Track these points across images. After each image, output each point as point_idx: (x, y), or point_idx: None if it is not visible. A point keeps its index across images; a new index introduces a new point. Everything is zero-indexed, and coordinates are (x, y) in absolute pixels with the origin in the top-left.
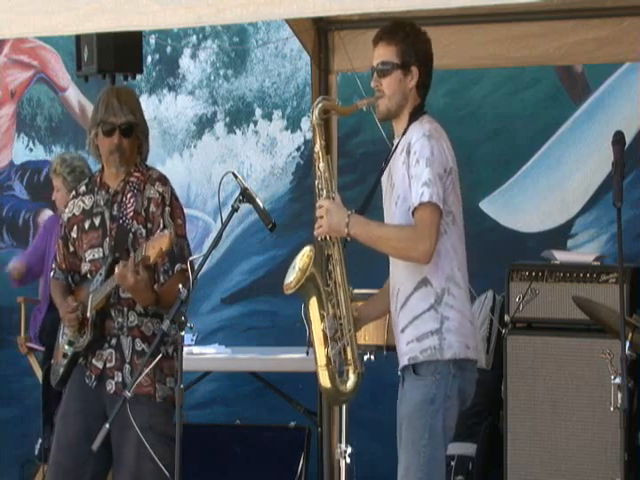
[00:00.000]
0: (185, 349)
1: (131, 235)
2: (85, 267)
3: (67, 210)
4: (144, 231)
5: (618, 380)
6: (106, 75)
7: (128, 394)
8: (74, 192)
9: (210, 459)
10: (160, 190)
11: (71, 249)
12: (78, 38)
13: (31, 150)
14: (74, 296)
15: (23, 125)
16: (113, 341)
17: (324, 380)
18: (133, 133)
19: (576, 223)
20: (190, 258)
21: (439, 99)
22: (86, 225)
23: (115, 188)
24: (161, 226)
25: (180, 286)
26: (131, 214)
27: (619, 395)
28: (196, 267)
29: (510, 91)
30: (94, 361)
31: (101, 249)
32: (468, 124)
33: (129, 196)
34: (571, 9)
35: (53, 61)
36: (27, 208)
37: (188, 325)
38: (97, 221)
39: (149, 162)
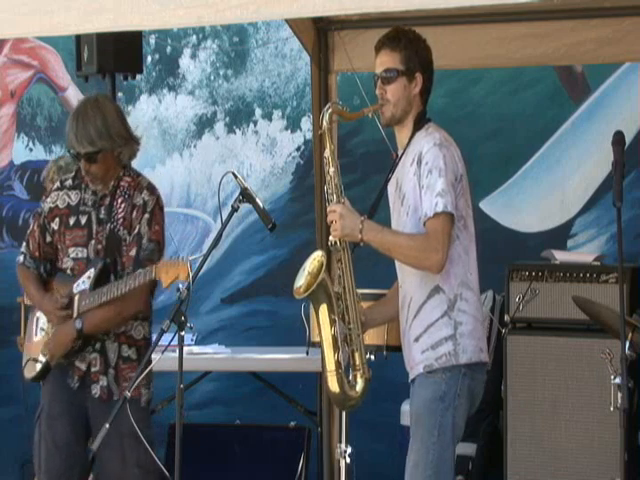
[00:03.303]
0: (185, 349)
1: (122, 242)
2: (67, 263)
3: (49, 200)
4: (128, 237)
5: (618, 380)
6: (106, 75)
7: (128, 394)
8: (59, 183)
9: (210, 459)
10: (146, 199)
11: (48, 239)
12: (78, 38)
13: (31, 150)
14: (48, 288)
15: (23, 125)
16: (98, 345)
17: (333, 385)
18: (98, 159)
19: (576, 223)
20: (190, 258)
21: (439, 99)
22: (71, 221)
23: (103, 191)
24: (135, 231)
25: (180, 285)
26: (121, 220)
27: (619, 395)
28: (196, 267)
29: (510, 91)
30: (77, 362)
31: (85, 250)
32: (468, 124)
33: (120, 201)
34: (571, 9)
35: (53, 61)
36: (27, 208)
37: (188, 325)
38: (83, 220)
39: (149, 162)
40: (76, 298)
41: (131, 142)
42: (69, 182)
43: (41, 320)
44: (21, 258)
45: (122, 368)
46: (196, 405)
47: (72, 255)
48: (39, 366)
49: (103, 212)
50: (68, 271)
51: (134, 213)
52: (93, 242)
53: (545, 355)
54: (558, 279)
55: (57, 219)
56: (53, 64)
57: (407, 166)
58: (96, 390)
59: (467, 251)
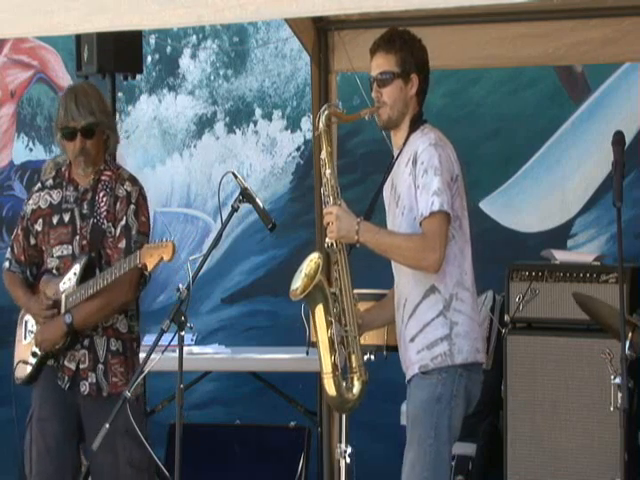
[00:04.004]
0: (185, 349)
1: (107, 236)
2: (52, 263)
3: (31, 202)
4: (113, 230)
5: (618, 380)
6: (106, 75)
7: (128, 394)
8: (39, 184)
9: (210, 459)
10: (128, 189)
11: (32, 242)
12: (78, 38)
13: (31, 150)
14: (35, 290)
15: (23, 125)
16: (86, 342)
17: (329, 388)
18: (95, 133)
19: (576, 223)
20: (190, 258)
21: (438, 99)
22: (54, 220)
23: (85, 186)
24: (122, 222)
25: (180, 285)
26: (105, 214)
27: (619, 395)
28: (196, 267)
29: (510, 91)
30: (66, 362)
31: (70, 246)
32: (468, 124)
33: (102, 195)
34: (571, 9)
35: (53, 61)
36: None
37: (188, 325)
38: (66, 217)
39: (149, 162)
40: (63, 296)
41: (116, 131)
42: (50, 182)
43: (29, 323)
44: (7, 264)
45: (111, 363)
46: (196, 405)
47: (57, 254)
48: (29, 368)
49: (86, 207)
50: (54, 270)
51: (118, 205)
52: (78, 238)
53: (545, 355)
54: (558, 279)
55: (40, 220)
56: (53, 64)
57: (402, 166)
58: (85, 387)
59: (462, 251)
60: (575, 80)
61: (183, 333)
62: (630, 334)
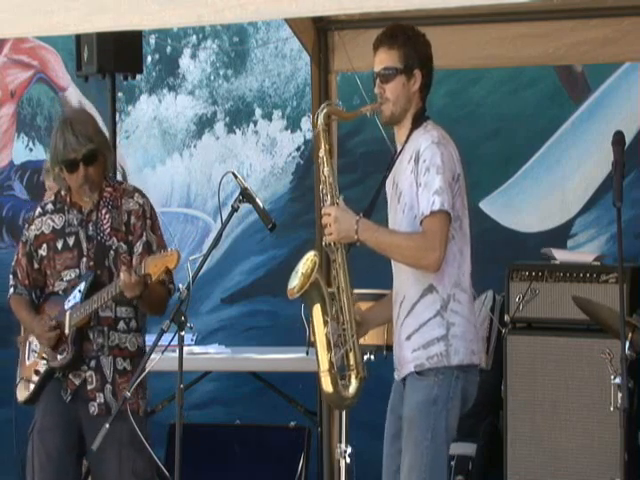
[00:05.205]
0: (185, 349)
1: (112, 252)
2: (60, 286)
3: (33, 227)
4: (125, 246)
5: (618, 380)
6: (106, 75)
7: (128, 394)
8: (40, 209)
9: (210, 459)
10: (140, 202)
11: (36, 266)
12: (78, 38)
13: (31, 150)
14: (40, 311)
15: (23, 125)
16: (92, 363)
17: (326, 385)
18: (97, 158)
19: (576, 223)
20: (190, 258)
21: (439, 99)
22: (59, 245)
23: (89, 207)
24: (143, 239)
25: (180, 285)
26: (108, 230)
27: (619, 395)
28: (196, 267)
29: (510, 91)
30: (71, 376)
31: (78, 270)
32: (468, 124)
33: (104, 212)
34: (571, 9)
35: (53, 61)
36: (27, 208)
37: (188, 325)
38: (71, 241)
39: (149, 162)
40: (67, 314)
41: (111, 148)
42: (50, 206)
43: (33, 343)
44: (12, 290)
45: (119, 382)
46: (196, 405)
47: (66, 278)
48: (32, 386)
49: (91, 229)
50: (60, 292)
51: (132, 219)
52: (85, 260)
53: (545, 355)
54: (558, 279)
55: (44, 245)
56: (53, 64)
57: (404, 164)
58: (94, 408)
59: (462, 251)
60: (575, 80)
61: (183, 333)
62: (630, 334)
